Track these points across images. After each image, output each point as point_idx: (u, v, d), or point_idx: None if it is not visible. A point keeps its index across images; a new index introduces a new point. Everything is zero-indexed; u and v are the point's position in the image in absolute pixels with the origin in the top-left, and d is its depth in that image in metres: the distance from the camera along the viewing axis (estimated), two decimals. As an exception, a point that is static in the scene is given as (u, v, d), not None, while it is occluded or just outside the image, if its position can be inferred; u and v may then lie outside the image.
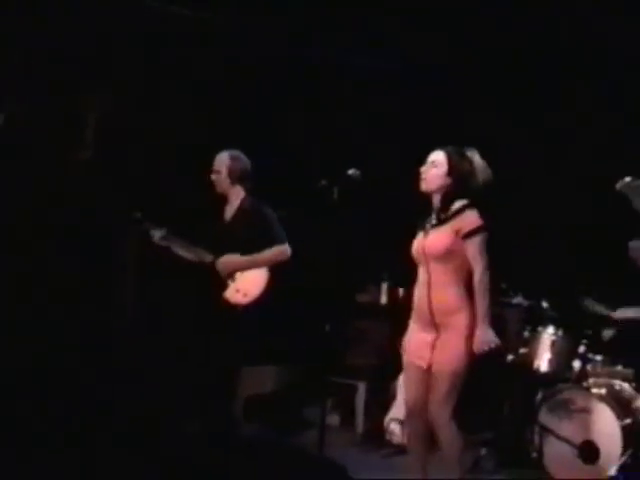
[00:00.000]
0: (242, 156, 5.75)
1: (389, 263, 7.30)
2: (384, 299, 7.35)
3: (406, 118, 7.47)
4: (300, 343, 7.33)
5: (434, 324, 4.52)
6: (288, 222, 6.73)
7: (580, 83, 6.79)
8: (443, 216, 4.56)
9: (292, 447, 4.65)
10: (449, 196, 4.57)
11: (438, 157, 4.63)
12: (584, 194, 6.73)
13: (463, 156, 4.62)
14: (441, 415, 4.51)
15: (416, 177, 4.71)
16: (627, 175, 4.57)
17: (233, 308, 5.60)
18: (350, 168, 4.85)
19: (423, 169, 4.65)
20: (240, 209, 5.73)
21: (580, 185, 6.77)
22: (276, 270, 5.68)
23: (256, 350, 5.83)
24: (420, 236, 4.68)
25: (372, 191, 5.17)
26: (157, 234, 5.71)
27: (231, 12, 6.72)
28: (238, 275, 5.64)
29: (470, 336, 4.46)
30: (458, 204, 4.55)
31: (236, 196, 5.74)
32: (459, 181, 4.57)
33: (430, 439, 4.68)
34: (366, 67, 7.38)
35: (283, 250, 5.65)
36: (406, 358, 4.72)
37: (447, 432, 4.53)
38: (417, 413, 4.67)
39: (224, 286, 5.65)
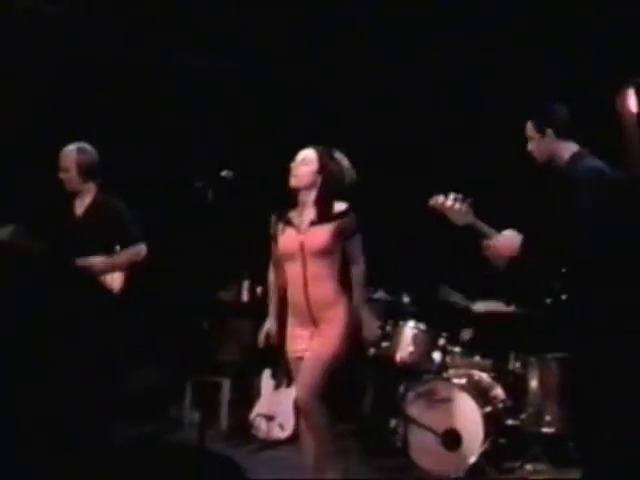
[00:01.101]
0: (89, 148, 5.57)
1: (250, 261, 7.37)
2: (245, 296, 7.42)
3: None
4: (160, 343, 7.32)
5: (312, 319, 4.61)
6: (146, 221, 6.72)
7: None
8: (324, 215, 4.63)
9: (175, 445, 4.63)
10: (323, 194, 4.66)
11: (309, 155, 4.71)
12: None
13: (332, 156, 4.73)
14: (307, 400, 4.55)
15: (278, 175, 4.80)
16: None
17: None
18: (223, 169, 4.90)
19: (293, 165, 4.71)
20: (93, 205, 5.56)
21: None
22: (134, 269, 5.60)
23: (119, 351, 5.77)
24: (291, 233, 4.69)
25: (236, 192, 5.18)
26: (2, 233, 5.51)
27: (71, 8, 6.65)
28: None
29: (346, 328, 4.59)
30: (341, 206, 4.65)
31: (88, 192, 5.57)
32: (329, 180, 4.66)
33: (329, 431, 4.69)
34: (221, 67, 7.42)
35: (140, 249, 5.56)
36: (290, 355, 4.77)
37: (316, 418, 4.57)
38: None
39: None
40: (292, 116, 7.41)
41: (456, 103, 6.99)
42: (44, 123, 6.59)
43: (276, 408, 6.63)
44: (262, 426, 6.61)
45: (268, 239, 4.97)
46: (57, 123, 6.54)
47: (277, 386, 6.77)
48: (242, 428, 6.73)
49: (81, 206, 5.60)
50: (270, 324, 4.92)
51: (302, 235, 4.66)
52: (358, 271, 4.73)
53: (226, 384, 7.09)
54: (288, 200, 4.82)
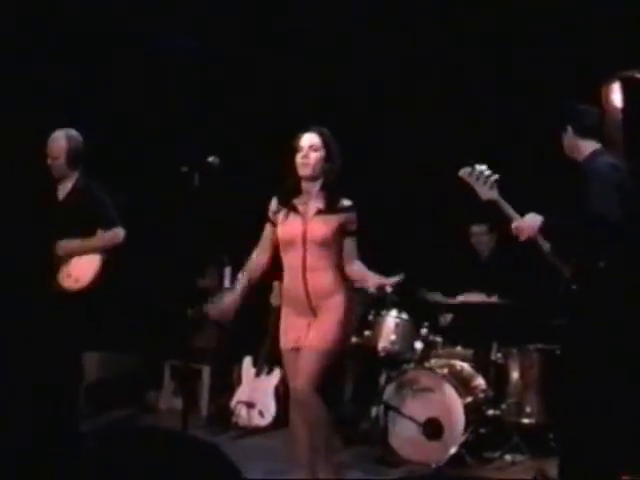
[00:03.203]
0: (76, 133, 5.58)
1: (232, 247, 7.35)
2: (227, 283, 7.38)
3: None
4: (139, 329, 7.30)
5: (311, 308, 4.54)
6: (129, 206, 6.68)
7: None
8: (331, 206, 4.56)
9: (159, 429, 4.60)
10: (330, 183, 4.59)
11: (316, 140, 4.57)
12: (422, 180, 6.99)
13: (333, 138, 4.63)
14: (307, 393, 4.46)
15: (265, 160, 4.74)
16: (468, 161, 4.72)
17: (65, 294, 5.49)
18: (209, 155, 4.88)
19: (303, 154, 4.54)
20: (74, 189, 5.59)
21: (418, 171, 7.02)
22: (111, 255, 5.59)
23: (92, 336, 5.75)
24: (296, 220, 4.58)
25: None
26: None
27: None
28: (73, 259, 5.52)
29: (345, 318, 4.53)
30: (346, 202, 4.59)
31: (71, 177, 5.60)
32: (335, 167, 4.59)
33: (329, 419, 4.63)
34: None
35: (117, 233, 5.57)
36: (283, 346, 4.65)
37: (314, 411, 4.50)
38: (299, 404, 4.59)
39: (56, 270, 5.52)
40: (280, 100, 7.38)
41: (488, 84, 6.97)
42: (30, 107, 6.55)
43: (257, 395, 6.64)
44: (242, 413, 6.61)
45: (250, 226, 4.94)
46: (45, 108, 6.50)
47: (258, 373, 6.77)
48: (222, 415, 6.72)
49: (64, 190, 5.63)
50: (228, 298, 4.75)
51: (306, 224, 4.56)
52: (357, 264, 4.61)
53: (206, 371, 7.08)
54: (273, 185, 4.78)
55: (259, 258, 4.74)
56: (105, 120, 7.04)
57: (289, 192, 4.64)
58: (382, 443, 5.78)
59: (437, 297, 6.48)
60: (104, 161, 6.62)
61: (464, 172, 4.64)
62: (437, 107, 6.99)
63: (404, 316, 6.19)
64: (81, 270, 5.49)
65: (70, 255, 5.51)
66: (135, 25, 7.08)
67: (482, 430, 5.86)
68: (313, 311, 4.55)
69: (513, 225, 4.52)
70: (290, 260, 4.61)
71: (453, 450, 5.55)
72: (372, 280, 4.54)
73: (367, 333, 6.24)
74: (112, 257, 5.58)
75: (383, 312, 6.23)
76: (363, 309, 6.34)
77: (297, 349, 4.56)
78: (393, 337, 6.13)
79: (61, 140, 5.52)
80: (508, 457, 5.75)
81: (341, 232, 4.57)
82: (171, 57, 7.29)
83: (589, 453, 4.37)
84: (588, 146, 4.60)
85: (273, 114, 7.23)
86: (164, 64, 7.31)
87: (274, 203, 4.68)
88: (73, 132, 5.58)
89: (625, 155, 5.33)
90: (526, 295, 5.98)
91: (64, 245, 5.52)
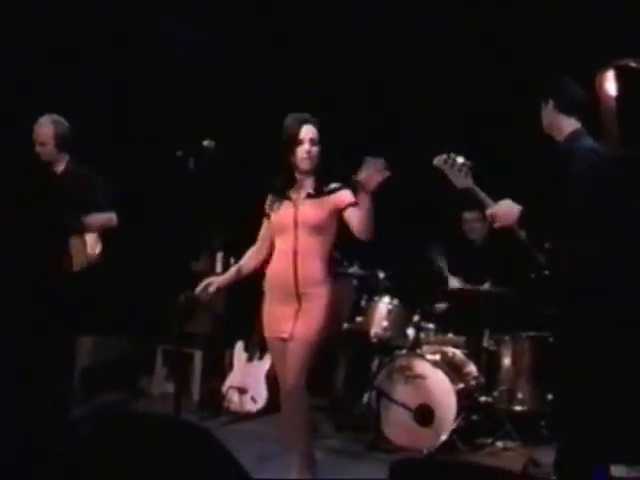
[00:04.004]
0: (62, 119, 5.60)
1: (224, 233, 7.35)
2: (219, 268, 7.37)
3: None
4: (132, 313, 7.29)
5: (297, 295, 4.48)
6: (124, 189, 6.66)
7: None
8: (320, 188, 4.54)
9: (152, 414, 4.61)
10: (320, 168, 4.57)
11: (314, 133, 4.54)
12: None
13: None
14: (295, 384, 4.45)
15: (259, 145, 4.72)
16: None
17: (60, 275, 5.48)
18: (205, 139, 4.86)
19: (306, 148, 4.50)
20: (65, 174, 5.61)
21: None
22: (106, 240, 5.62)
23: (87, 320, 5.75)
24: (288, 206, 4.57)
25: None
26: None
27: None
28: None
29: (331, 307, 4.50)
30: (334, 185, 4.55)
31: (61, 161, 5.62)
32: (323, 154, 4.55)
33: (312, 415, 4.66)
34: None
35: (111, 217, 5.63)
36: (268, 334, 4.62)
37: (296, 401, 4.49)
38: (289, 393, 4.54)
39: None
40: (276, 87, 7.36)
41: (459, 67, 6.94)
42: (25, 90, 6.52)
43: (248, 381, 6.63)
44: (234, 398, 6.61)
45: (245, 210, 4.92)
46: (39, 97, 6.47)
47: (250, 359, 6.76)
48: (214, 400, 6.72)
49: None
50: (218, 278, 4.82)
51: (297, 208, 4.54)
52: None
53: (198, 356, 7.08)
54: (266, 169, 4.77)
55: (256, 253, 4.75)
56: (100, 104, 7.02)
57: (284, 185, 4.62)
58: (374, 429, 5.80)
59: (444, 265, 6.50)
60: (98, 145, 6.65)
61: (438, 160, 4.59)
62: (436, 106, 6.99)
63: (396, 302, 6.19)
64: (74, 252, 5.51)
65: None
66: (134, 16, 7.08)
67: (474, 417, 5.88)
68: (299, 298, 4.48)
69: (488, 212, 4.46)
70: (282, 246, 4.58)
71: (444, 436, 5.57)
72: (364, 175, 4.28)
73: (359, 319, 6.26)
74: (105, 240, 5.60)
75: (376, 298, 6.24)
76: (354, 294, 6.36)
77: (283, 339, 4.51)
78: (385, 323, 6.14)
79: (48, 125, 5.54)
80: (499, 444, 5.77)
81: (335, 215, 4.52)
82: (171, 48, 7.27)
83: (581, 442, 4.38)
84: (569, 125, 4.46)
85: (269, 101, 7.21)
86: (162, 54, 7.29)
87: (270, 198, 4.67)
88: (58, 117, 5.60)
89: (620, 143, 5.31)
90: (518, 282, 5.97)
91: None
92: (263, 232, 4.74)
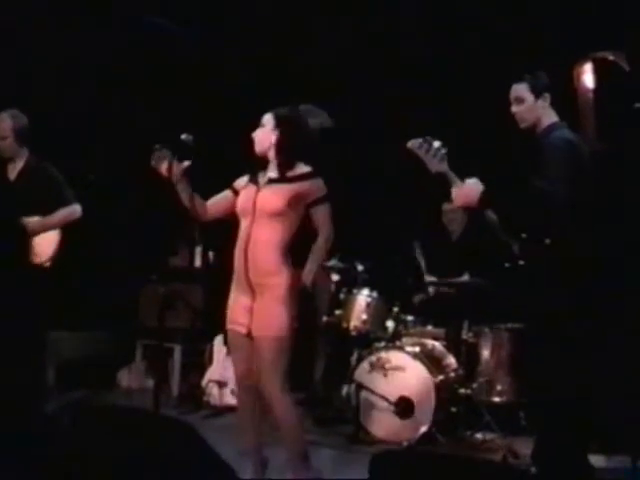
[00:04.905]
0: (20, 113, 5.61)
1: (202, 227, 7.32)
2: (198, 262, 7.37)
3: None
4: (110, 307, 7.28)
5: (250, 285, 4.35)
6: (98, 185, 6.65)
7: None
8: (283, 175, 4.45)
9: (132, 408, 4.58)
10: (284, 153, 4.47)
11: (265, 118, 4.55)
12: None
13: (292, 113, 4.56)
14: (271, 384, 4.34)
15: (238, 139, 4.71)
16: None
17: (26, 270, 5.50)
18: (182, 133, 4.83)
19: (255, 132, 4.56)
20: (26, 169, 5.63)
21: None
22: (71, 232, 5.62)
23: (59, 315, 5.73)
24: (249, 190, 4.50)
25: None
26: None
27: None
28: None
29: (287, 300, 4.34)
30: (302, 169, 4.48)
31: (21, 156, 5.63)
32: (286, 139, 4.47)
33: (263, 410, 4.52)
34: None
35: (74, 210, 5.63)
36: (229, 325, 4.51)
37: (280, 403, 4.37)
38: (247, 384, 4.50)
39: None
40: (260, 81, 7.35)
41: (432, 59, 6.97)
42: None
43: (228, 374, 6.58)
44: (214, 392, 6.60)
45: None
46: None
47: (229, 352, 6.73)
48: (194, 394, 6.72)
49: (14, 170, 5.65)
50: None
51: (256, 193, 4.45)
52: (320, 242, 4.47)
53: (177, 350, 7.07)
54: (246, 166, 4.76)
55: (205, 205, 4.61)
56: (77, 97, 6.99)
57: (253, 168, 4.59)
58: (354, 422, 5.80)
59: (422, 261, 6.51)
60: (74, 139, 6.61)
61: (413, 144, 4.50)
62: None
63: (375, 295, 6.19)
64: (40, 246, 5.52)
65: (30, 233, 5.52)
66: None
67: (453, 409, 5.89)
68: (252, 291, 4.35)
69: (453, 192, 4.42)
70: (241, 231, 4.45)
71: (424, 429, 5.59)
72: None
73: (338, 312, 6.25)
74: (69, 232, 5.61)
75: (354, 291, 6.23)
76: (333, 287, 6.36)
77: (242, 335, 4.42)
78: (364, 316, 6.14)
79: (7, 120, 5.56)
80: (479, 435, 5.78)
81: (296, 202, 4.40)
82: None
83: (560, 432, 4.40)
84: (552, 116, 4.49)
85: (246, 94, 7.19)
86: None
87: (245, 178, 4.61)
88: (16, 111, 5.60)
89: (596, 136, 5.33)
90: (497, 274, 5.99)
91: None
92: (218, 197, 4.63)
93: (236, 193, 4.59)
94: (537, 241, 4.35)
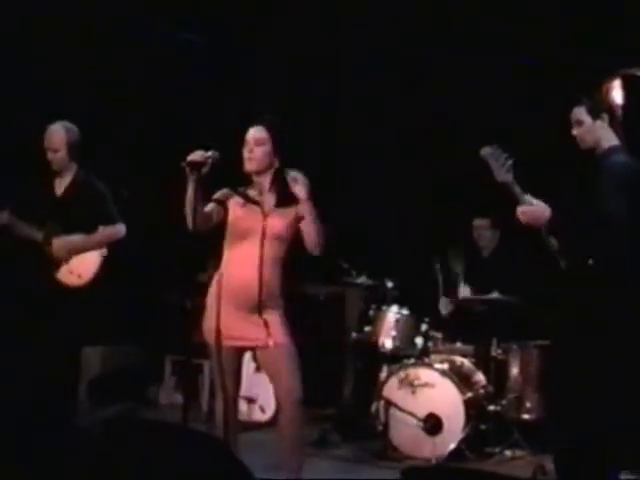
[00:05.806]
0: (73, 126, 5.54)
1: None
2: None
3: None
4: (140, 323, 7.32)
5: (259, 303, 4.36)
6: (130, 201, 6.68)
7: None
8: (285, 198, 4.42)
9: (163, 422, 4.61)
10: (280, 176, 4.44)
11: (259, 135, 4.43)
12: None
13: (283, 128, 4.53)
14: (298, 391, 4.39)
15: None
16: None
17: (67, 290, 5.48)
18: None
19: (248, 149, 4.42)
20: (73, 184, 5.56)
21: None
22: (113, 250, 5.60)
23: (96, 332, 5.77)
24: (256, 211, 4.42)
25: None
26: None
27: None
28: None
29: (285, 317, 4.47)
30: (293, 173, 4.38)
31: (70, 171, 5.56)
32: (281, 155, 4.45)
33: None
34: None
35: (118, 229, 5.59)
36: (228, 344, 4.47)
37: (301, 412, 4.45)
38: (233, 402, 4.67)
39: (57, 267, 5.50)
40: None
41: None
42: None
43: (257, 390, 6.64)
44: (243, 408, 6.60)
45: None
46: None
47: (258, 368, 6.75)
48: (223, 410, 6.72)
49: (61, 185, 5.59)
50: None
51: (266, 217, 4.41)
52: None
53: (207, 366, 7.07)
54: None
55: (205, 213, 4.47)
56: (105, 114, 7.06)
57: (245, 186, 4.52)
58: (382, 439, 5.82)
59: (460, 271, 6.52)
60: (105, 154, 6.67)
61: (485, 151, 4.55)
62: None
63: (405, 312, 6.21)
64: (83, 266, 5.50)
65: (72, 252, 5.50)
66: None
67: (482, 426, 5.89)
68: (260, 309, 4.36)
69: (520, 208, 4.45)
70: (243, 252, 4.41)
71: (453, 445, 5.59)
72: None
73: (367, 329, 6.27)
74: (113, 252, 5.59)
75: (384, 308, 6.25)
76: (362, 304, 6.38)
77: (247, 348, 4.54)
78: (394, 333, 6.16)
79: (60, 132, 5.47)
80: (508, 452, 5.78)
81: (295, 224, 4.44)
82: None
83: (586, 450, 4.38)
84: (611, 139, 4.54)
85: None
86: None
87: (225, 190, 4.52)
88: (70, 124, 5.54)
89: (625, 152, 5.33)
90: (527, 291, 5.98)
91: (65, 242, 5.50)
92: (207, 210, 4.45)
93: (222, 205, 4.49)
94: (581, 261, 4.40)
